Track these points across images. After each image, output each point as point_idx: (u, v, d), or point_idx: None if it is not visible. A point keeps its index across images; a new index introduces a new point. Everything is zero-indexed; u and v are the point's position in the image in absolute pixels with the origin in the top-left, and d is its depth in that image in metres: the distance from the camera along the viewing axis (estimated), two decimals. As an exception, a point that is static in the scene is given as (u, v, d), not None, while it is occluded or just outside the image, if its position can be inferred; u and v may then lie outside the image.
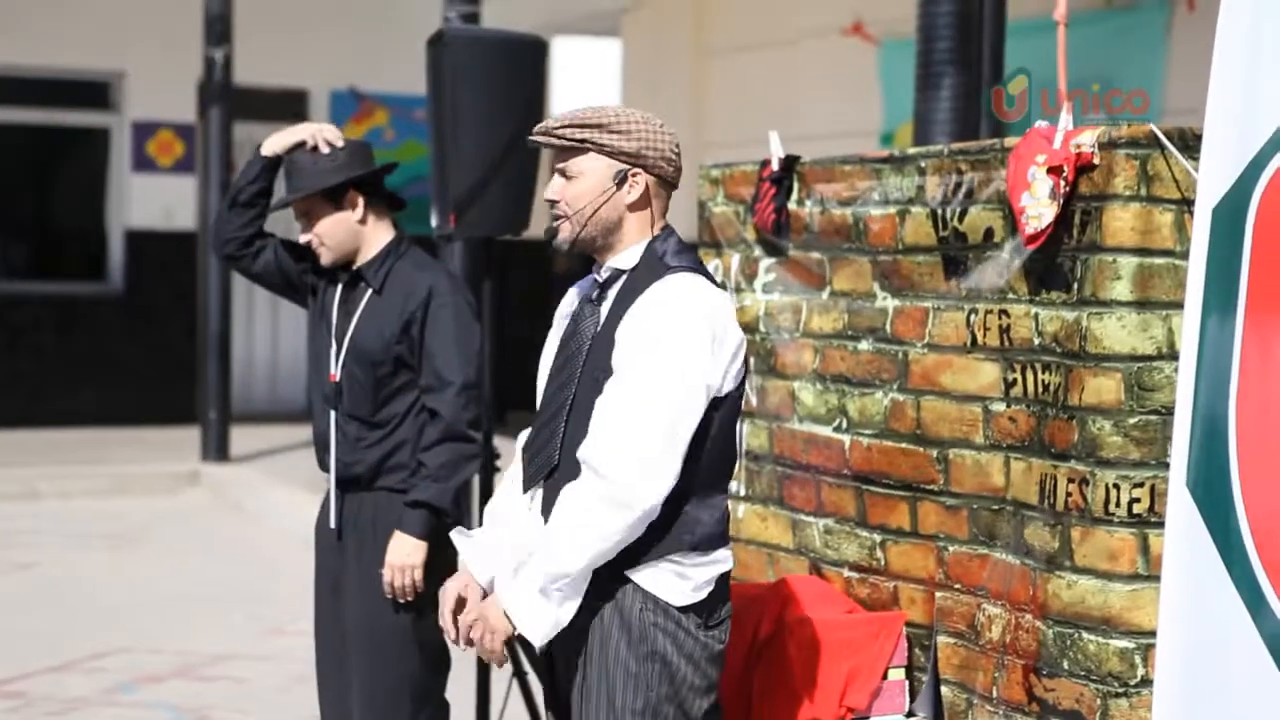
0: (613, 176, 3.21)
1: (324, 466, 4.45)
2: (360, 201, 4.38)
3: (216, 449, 11.73)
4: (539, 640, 3.15)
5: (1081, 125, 3.56)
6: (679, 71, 12.64)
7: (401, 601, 4.30)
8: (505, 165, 5.03)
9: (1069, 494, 3.57)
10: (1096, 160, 3.51)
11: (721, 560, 3.27)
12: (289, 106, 14.10)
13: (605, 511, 3.07)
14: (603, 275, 3.27)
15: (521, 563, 3.16)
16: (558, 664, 3.34)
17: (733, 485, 4.67)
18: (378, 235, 4.42)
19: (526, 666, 5.13)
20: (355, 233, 4.38)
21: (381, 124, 14.25)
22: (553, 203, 3.25)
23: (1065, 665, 3.58)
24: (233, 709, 6.30)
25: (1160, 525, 3.41)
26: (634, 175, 3.22)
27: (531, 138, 3.24)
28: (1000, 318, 3.76)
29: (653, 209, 3.26)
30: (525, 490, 3.34)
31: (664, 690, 3.18)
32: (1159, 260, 3.48)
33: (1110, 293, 3.50)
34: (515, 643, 5.08)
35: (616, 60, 14.29)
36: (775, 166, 4.46)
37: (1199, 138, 3.39)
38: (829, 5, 10.73)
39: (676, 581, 3.19)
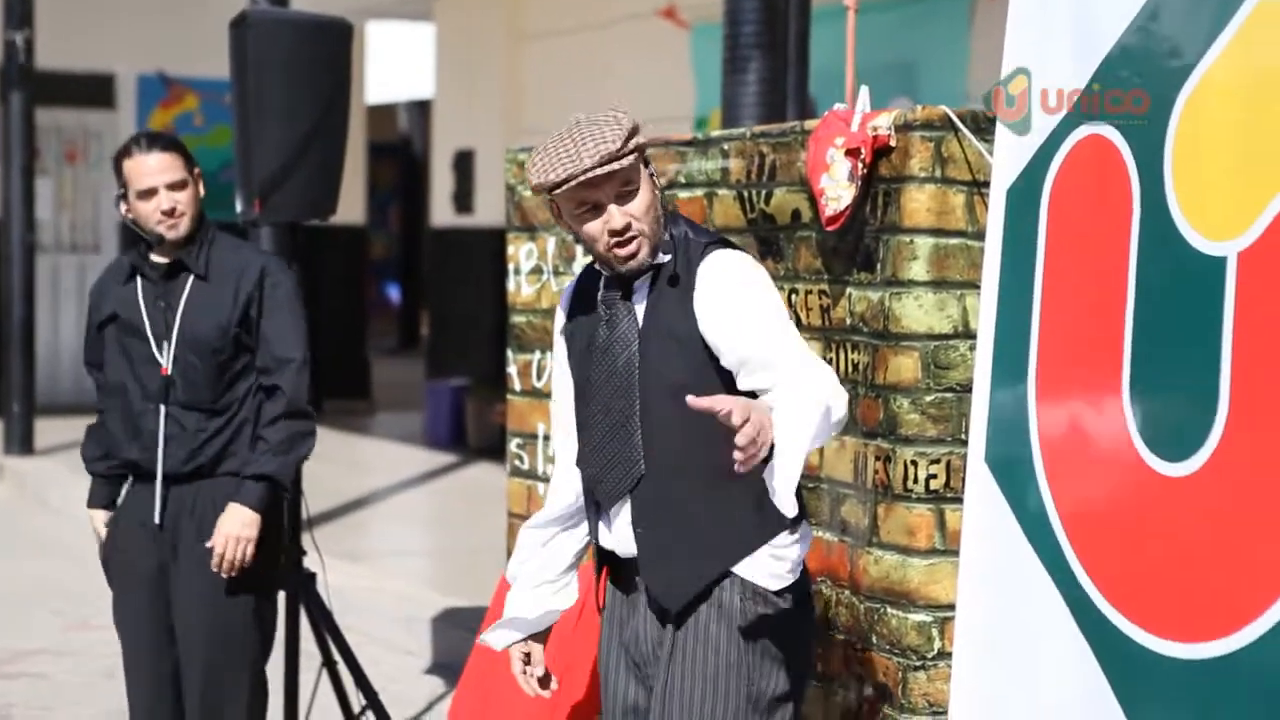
0: (650, 176, 3.10)
1: (145, 466, 4.34)
2: (202, 181, 4.37)
3: (20, 441, 11.44)
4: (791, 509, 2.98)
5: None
6: (493, 56, 12.59)
7: (227, 575, 4.24)
8: (311, 150, 4.96)
9: (875, 471, 3.63)
10: (893, 142, 3.56)
11: (807, 535, 3.18)
12: (95, 91, 13.80)
13: (839, 399, 2.95)
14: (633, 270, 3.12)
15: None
16: (634, 656, 3.23)
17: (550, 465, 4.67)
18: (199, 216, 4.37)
19: (336, 656, 5.08)
20: (199, 210, 4.33)
21: (191, 109, 14.00)
22: (626, 228, 3.04)
23: (874, 640, 3.65)
24: (35, 706, 6.15)
25: (956, 500, 3.48)
26: (650, 174, 3.11)
27: (596, 172, 2.97)
28: (820, 298, 3.81)
29: None
30: (608, 507, 3.19)
31: (767, 681, 3.09)
32: (953, 240, 3.55)
33: (908, 273, 3.56)
34: (326, 636, 5.04)
35: (430, 44, 14.19)
36: (581, 149, 4.44)
37: (991, 120, 3.45)
38: (642, -10, 10.75)
39: (774, 564, 3.09)
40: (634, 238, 3.06)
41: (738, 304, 3.05)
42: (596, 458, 3.18)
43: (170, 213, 4.24)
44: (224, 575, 4.24)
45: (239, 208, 5.04)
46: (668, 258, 3.11)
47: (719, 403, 2.79)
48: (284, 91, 4.89)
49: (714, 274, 3.07)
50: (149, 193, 4.25)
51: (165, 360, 4.29)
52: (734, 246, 3.17)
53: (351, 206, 14.10)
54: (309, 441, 4.35)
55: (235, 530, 4.21)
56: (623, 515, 3.17)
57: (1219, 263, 2.51)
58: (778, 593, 3.11)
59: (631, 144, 3.01)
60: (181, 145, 4.35)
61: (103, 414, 4.47)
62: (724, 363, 3.06)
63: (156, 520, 4.31)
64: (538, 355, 4.77)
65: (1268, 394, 2.43)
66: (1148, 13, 2.65)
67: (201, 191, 4.34)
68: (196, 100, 13.94)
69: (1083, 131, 2.79)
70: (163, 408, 4.29)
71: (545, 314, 4.73)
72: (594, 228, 3.05)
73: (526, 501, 4.82)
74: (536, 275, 4.78)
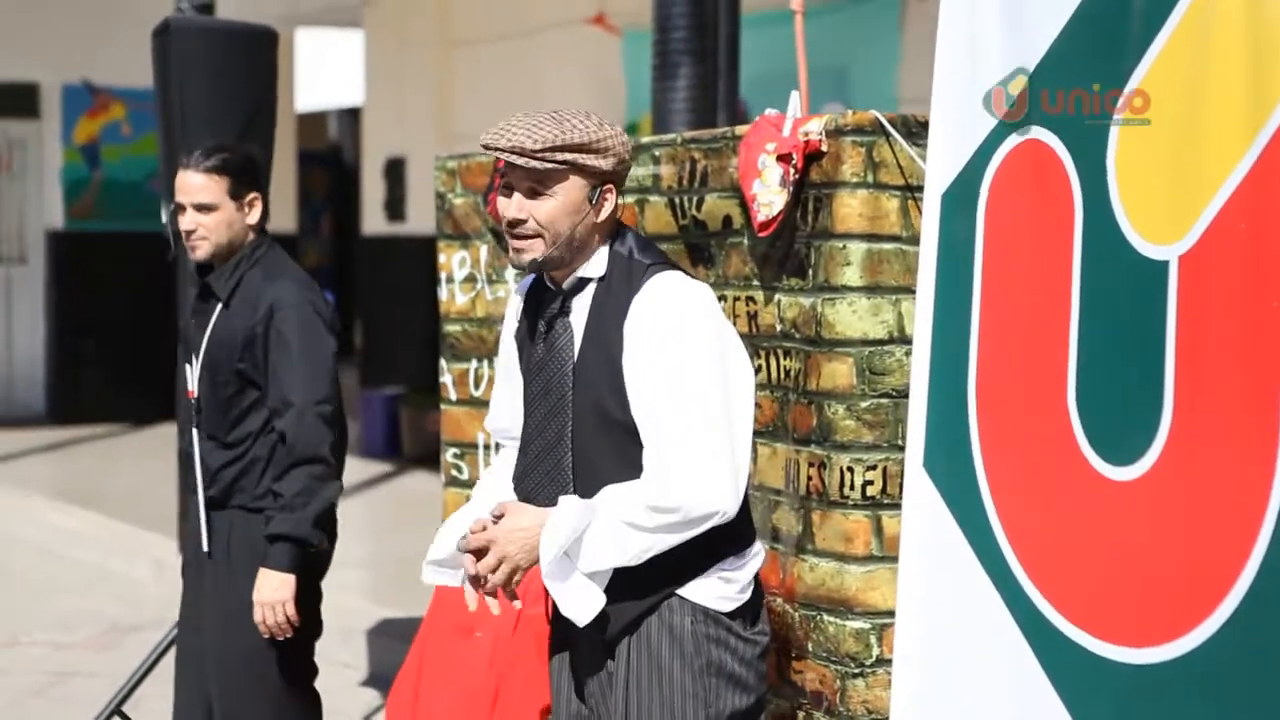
0: (588, 196, 3.03)
1: (190, 487, 4.29)
2: (259, 206, 4.23)
3: (-52, 456, 11.31)
4: (584, 621, 2.99)
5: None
6: (423, 63, 12.52)
7: (281, 639, 4.13)
8: (237, 158, 4.90)
9: (809, 478, 3.61)
10: (824, 147, 3.55)
11: (758, 554, 3.16)
12: (18, 100, 13.62)
13: (680, 532, 2.94)
14: (567, 285, 3.11)
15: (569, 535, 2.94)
16: (584, 680, 3.19)
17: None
18: (244, 242, 4.24)
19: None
20: (242, 237, 4.21)
21: (119, 118, 13.85)
22: (518, 222, 3.02)
23: (810, 647, 3.62)
24: (-37, 727, 6.06)
25: (893, 507, 3.46)
26: (606, 191, 3.05)
27: (502, 155, 2.97)
28: (748, 304, 3.79)
29: (616, 216, 3.12)
30: None
31: (725, 703, 3.07)
32: (887, 245, 3.53)
33: (841, 278, 3.54)
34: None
35: (360, 52, 14.10)
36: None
37: (922, 124, 3.45)
38: (573, -4, 10.73)
39: (724, 587, 3.07)
40: (528, 236, 3.03)
41: (661, 351, 2.98)
42: (531, 476, 3.15)
43: (190, 234, 4.18)
44: (278, 639, 4.13)
45: (164, 217, 4.98)
46: (598, 273, 3.08)
47: (472, 542, 2.98)
48: (208, 100, 4.85)
49: (651, 306, 3.01)
50: (181, 209, 4.20)
51: (193, 383, 4.23)
52: (677, 268, 3.11)
53: (282, 215, 13.98)
54: (328, 488, 4.12)
55: (269, 596, 4.07)
56: None
57: (1162, 266, 2.51)
58: (730, 614, 3.08)
59: (554, 154, 2.97)
60: (236, 168, 4.19)
61: None
62: (630, 399, 3.01)
63: (205, 547, 4.23)
64: (474, 364, 4.73)
65: (1209, 396, 2.43)
66: (1080, 16, 2.64)
67: (252, 217, 4.20)
68: (123, 109, 13.79)
69: (1019, 137, 2.78)
70: (195, 431, 4.22)
71: (481, 323, 4.69)
72: (501, 205, 3.07)
73: (461, 512, 4.77)
74: (470, 284, 4.73)
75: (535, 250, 3.04)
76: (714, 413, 2.95)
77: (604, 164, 3.03)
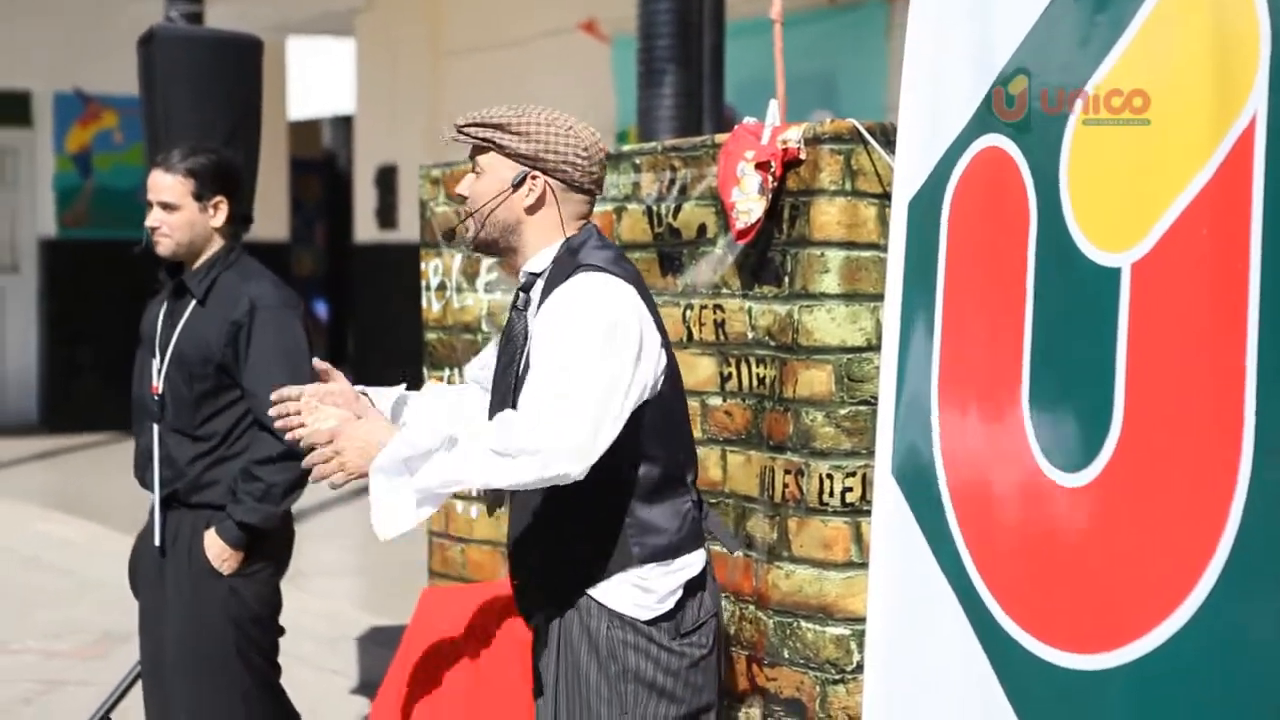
0: (511, 178, 3.09)
1: (146, 483, 4.35)
2: (225, 210, 4.33)
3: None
4: (385, 537, 2.97)
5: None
6: (415, 71, 12.54)
7: (248, 641, 4.26)
8: (222, 167, 4.91)
9: (785, 485, 3.62)
10: (803, 155, 3.56)
11: (689, 566, 3.13)
12: (10, 109, 13.63)
13: (517, 476, 2.88)
14: (522, 279, 3.17)
15: (411, 456, 2.94)
16: (537, 683, 3.22)
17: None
18: (212, 245, 4.34)
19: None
20: (205, 237, 4.32)
21: (110, 126, 13.86)
22: (461, 198, 3.19)
23: (785, 654, 3.63)
24: (-48, 736, 6.06)
25: (871, 514, 3.47)
26: (532, 178, 3.08)
27: (447, 137, 3.18)
28: (715, 312, 3.79)
29: (560, 213, 3.12)
30: (489, 498, 3.28)
31: (645, 710, 3.07)
32: (865, 253, 3.54)
33: (819, 286, 3.55)
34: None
35: (351, 60, 14.11)
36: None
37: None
38: (564, 3, 10.75)
39: (639, 595, 3.08)
40: (466, 215, 3.16)
41: (546, 333, 2.99)
42: None
43: (154, 230, 4.30)
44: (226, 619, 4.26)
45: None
46: (542, 269, 3.13)
47: (319, 435, 3.05)
48: (193, 109, 4.86)
49: (556, 299, 3.02)
50: (149, 205, 4.31)
51: (158, 379, 4.30)
52: (610, 272, 3.07)
53: (275, 223, 14.00)
54: (303, 488, 4.28)
55: (212, 560, 4.24)
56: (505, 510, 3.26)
57: (1114, 274, 2.51)
58: (647, 622, 3.08)
59: (474, 129, 3.12)
60: (205, 171, 4.29)
61: None
62: None
63: (157, 542, 4.30)
64: (447, 372, 4.74)
65: (1160, 405, 2.44)
66: (1043, 24, 2.65)
67: (216, 220, 4.30)
68: (115, 117, 13.80)
69: (981, 143, 2.79)
70: (155, 427, 4.29)
71: (452, 330, 4.70)
72: None
73: (445, 520, 4.79)
74: (442, 292, 4.75)
75: (470, 231, 3.16)
76: (573, 384, 2.89)
77: (522, 146, 3.08)
